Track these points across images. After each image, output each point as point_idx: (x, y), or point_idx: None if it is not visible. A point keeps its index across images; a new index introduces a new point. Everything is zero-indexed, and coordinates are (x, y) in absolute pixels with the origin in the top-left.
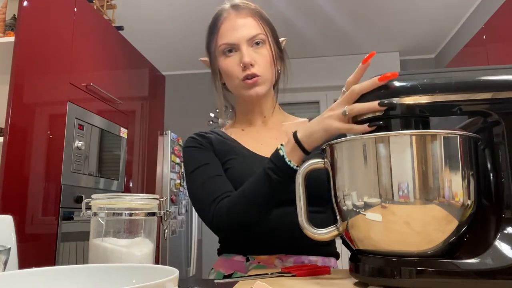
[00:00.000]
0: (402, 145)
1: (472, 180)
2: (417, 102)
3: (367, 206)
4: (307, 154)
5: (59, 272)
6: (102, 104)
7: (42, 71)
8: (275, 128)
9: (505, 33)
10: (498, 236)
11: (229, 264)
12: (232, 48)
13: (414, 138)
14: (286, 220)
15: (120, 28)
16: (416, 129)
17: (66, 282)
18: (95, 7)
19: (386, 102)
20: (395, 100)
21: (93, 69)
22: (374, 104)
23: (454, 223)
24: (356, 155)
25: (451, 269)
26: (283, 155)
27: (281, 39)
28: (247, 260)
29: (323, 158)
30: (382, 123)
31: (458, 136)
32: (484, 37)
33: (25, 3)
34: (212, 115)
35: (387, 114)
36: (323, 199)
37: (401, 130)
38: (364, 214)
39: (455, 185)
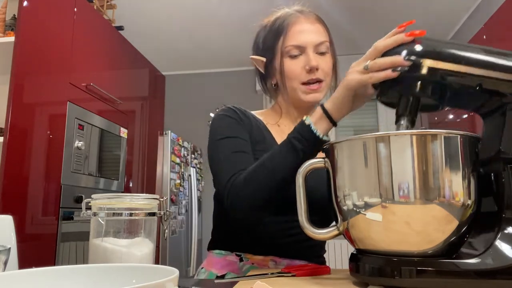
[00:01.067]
0: (402, 145)
1: (473, 180)
2: (441, 67)
3: (367, 206)
4: (335, 124)
5: (59, 272)
6: (102, 104)
7: (42, 71)
8: None
9: (505, 33)
10: (499, 236)
11: (221, 264)
12: (299, 51)
13: (414, 137)
14: (286, 225)
15: (120, 28)
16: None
17: (66, 282)
18: (95, 7)
19: (411, 58)
20: (420, 61)
21: (93, 69)
22: (397, 58)
23: (455, 223)
24: (356, 155)
25: (451, 269)
26: (309, 124)
27: None
28: (241, 260)
29: (323, 158)
30: (406, 69)
31: (459, 136)
32: (484, 37)
33: (25, 3)
34: (212, 115)
35: (408, 73)
36: (324, 210)
37: (417, 91)
38: (365, 214)
39: (456, 185)
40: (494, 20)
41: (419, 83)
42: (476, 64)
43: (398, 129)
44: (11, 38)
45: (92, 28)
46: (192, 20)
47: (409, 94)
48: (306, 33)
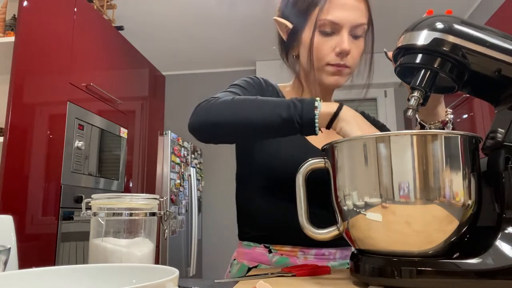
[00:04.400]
0: (402, 145)
1: (473, 180)
2: (463, 45)
3: (367, 206)
4: (328, 127)
5: (59, 272)
6: (102, 104)
7: (42, 71)
8: None
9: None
10: (499, 236)
11: (252, 256)
12: (333, 28)
13: (414, 138)
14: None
15: (120, 28)
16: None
17: (66, 282)
18: (95, 7)
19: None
20: (443, 37)
21: (93, 69)
22: None
23: (455, 223)
24: (356, 155)
25: (451, 269)
26: (317, 106)
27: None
28: (270, 252)
29: (323, 158)
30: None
31: (459, 136)
32: None
33: (25, 3)
34: None
35: (430, 47)
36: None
37: (436, 66)
38: (365, 214)
39: (456, 185)
40: (494, 20)
41: (439, 58)
42: (499, 49)
43: (410, 100)
44: (11, 38)
45: (92, 28)
46: (192, 20)
47: (428, 68)
48: (347, 9)
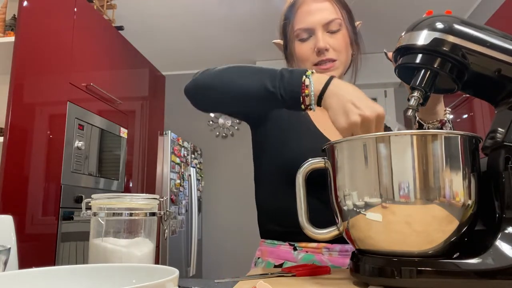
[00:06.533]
0: (402, 145)
1: (473, 180)
2: (464, 45)
3: (367, 206)
4: (319, 102)
5: (59, 272)
6: (102, 104)
7: (42, 71)
8: None
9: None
10: (499, 236)
11: (277, 254)
12: (308, 33)
13: (414, 138)
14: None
15: (120, 28)
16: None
17: (66, 282)
18: (95, 7)
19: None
20: (443, 37)
21: (93, 69)
22: None
23: (455, 223)
24: (356, 155)
25: (451, 269)
26: (309, 79)
27: (356, 23)
28: (295, 249)
29: (323, 158)
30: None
31: (459, 136)
32: None
33: (25, 3)
34: (212, 115)
35: (430, 47)
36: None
37: (436, 66)
38: (365, 214)
39: (456, 185)
40: (494, 20)
41: (439, 58)
42: (499, 49)
43: (410, 100)
44: (11, 38)
45: (92, 28)
46: (192, 20)
47: (428, 68)
48: (313, 13)
